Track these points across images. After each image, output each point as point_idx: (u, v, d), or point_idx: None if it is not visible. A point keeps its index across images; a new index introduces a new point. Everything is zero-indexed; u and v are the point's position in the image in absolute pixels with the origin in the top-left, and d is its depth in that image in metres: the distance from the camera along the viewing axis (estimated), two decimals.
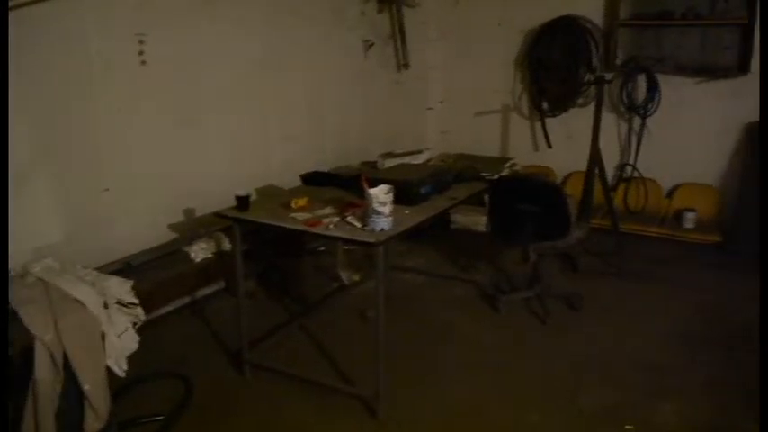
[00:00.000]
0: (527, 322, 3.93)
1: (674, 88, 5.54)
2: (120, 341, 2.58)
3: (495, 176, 3.87)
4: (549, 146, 6.07)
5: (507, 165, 4.21)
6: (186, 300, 4.08)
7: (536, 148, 6.25)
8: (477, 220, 5.29)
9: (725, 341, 3.69)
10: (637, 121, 5.71)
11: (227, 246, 3.85)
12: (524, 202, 3.58)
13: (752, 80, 5.25)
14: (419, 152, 4.22)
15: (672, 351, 3.58)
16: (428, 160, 4.24)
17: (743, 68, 5.26)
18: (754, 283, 4.48)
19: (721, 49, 5.41)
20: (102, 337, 2.48)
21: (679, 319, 3.98)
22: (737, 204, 5.29)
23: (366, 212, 2.79)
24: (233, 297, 4.11)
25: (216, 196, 3.60)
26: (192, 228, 4.01)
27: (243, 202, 3.10)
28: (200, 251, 3.76)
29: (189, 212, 4.04)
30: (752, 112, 5.32)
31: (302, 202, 3.18)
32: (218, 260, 3.83)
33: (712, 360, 3.47)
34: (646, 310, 4.13)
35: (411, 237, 4.98)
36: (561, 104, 5.98)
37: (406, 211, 3.03)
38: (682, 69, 5.52)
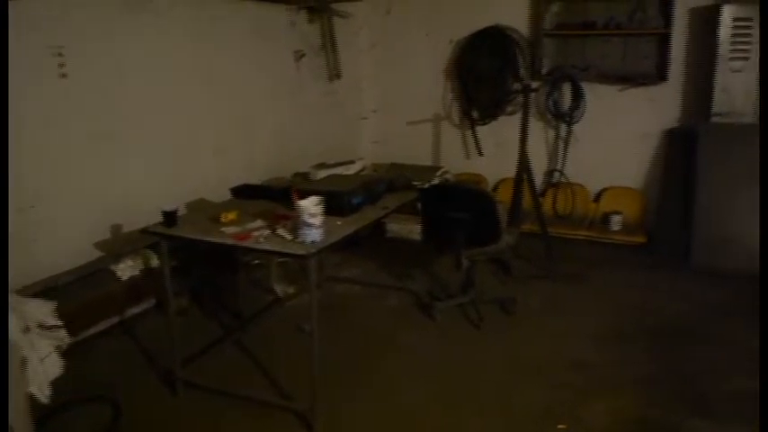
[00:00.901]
0: (462, 328, 3.97)
1: (598, 96, 5.74)
2: (43, 366, 2.48)
3: (427, 185, 3.92)
4: (480, 153, 6.18)
5: (438, 173, 4.27)
6: (115, 320, 3.94)
7: (467, 155, 6.35)
8: (412, 229, 5.32)
9: (652, 338, 3.82)
10: (563, 128, 5.89)
11: (155, 262, 3.76)
12: (455, 209, 3.63)
13: (670, 87, 5.51)
14: (351, 162, 4.23)
15: (602, 349, 3.68)
16: (360, 170, 4.26)
17: (661, 76, 5.50)
18: (677, 282, 4.71)
19: (641, 58, 5.64)
20: (24, 362, 2.37)
21: (608, 319, 4.10)
22: (659, 206, 5.52)
23: (297, 225, 2.77)
24: (164, 315, 4.00)
25: (144, 211, 3.49)
26: (120, 245, 3.89)
27: (170, 217, 3.03)
28: (126, 269, 3.66)
29: (115, 229, 3.92)
30: (671, 118, 5.59)
31: (232, 215, 3.13)
32: (146, 278, 3.74)
33: (641, 357, 3.59)
34: (577, 311, 4.24)
35: (346, 247, 5.00)
36: (491, 113, 6.10)
37: (338, 222, 3.03)
38: (605, 77, 5.72)
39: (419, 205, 3.95)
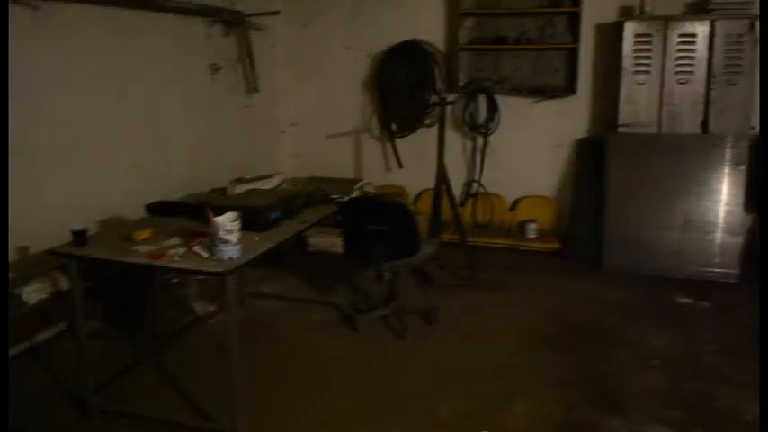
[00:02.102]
0: (386, 339, 4.00)
1: (512, 108, 5.92)
2: None
3: (346, 198, 3.93)
4: (400, 165, 6.26)
5: (358, 186, 4.29)
6: (24, 346, 3.75)
7: (388, 168, 6.41)
8: (334, 242, 5.31)
9: (568, 341, 3.96)
10: (480, 140, 6.04)
11: (65, 284, 3.60)
12: (374, 222, 3.66)
13: (579, 100, 5.76)
14: (270, 177, 4.20)
15: (522, 354, 3.79)
16: (279, 184, 4.23)
17: (570, 89, 5.73)
18: (590, 286, 4.90)
19: (552, 72, 5.87)
20: None
21: (527, 323, 4.22)
22: (572, 213, 5.75)
23: (213, 242, 2.72)
24: (77, 339, 3.84)
25: (53, 231, 3.34)
26: (26, 267, 3.71)
27: (80, 236, 2.92)
28: (33, 293, 3.49)
29: (21, 251, 3.74)
30: (581, 129, 5.84)
31: (146, 233, 3.05)
32: (56, 300, 3.57)
33: (558, 359, 3.71)
34: (497, 317, 4.34)
35: (268, 262, 4.95)
36: (409, 125, 6.19)
37: (256, 238, 3.00)
38: (518, 90, 5.91)
39: (339, 218, 3.97)
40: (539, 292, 4.81)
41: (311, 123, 6.61)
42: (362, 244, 3.80)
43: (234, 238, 2.69)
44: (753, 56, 5.04)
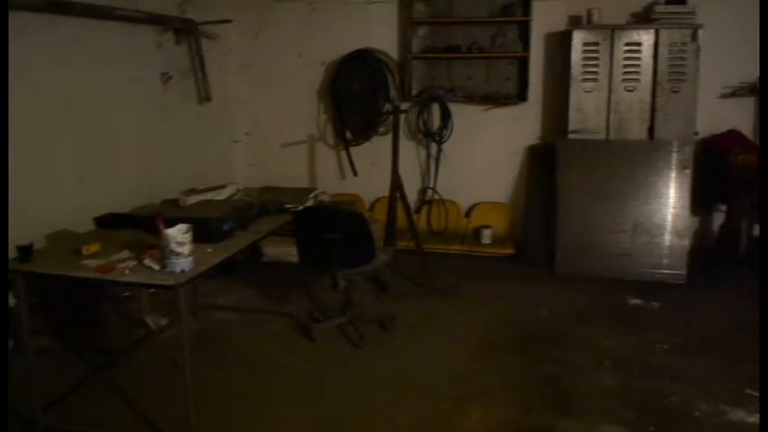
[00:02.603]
0: (342, 348, 3.98)
1: (465, 115, 6.00)
2: None
3: (300, 207, 3.91)
4: (355, 174, 6.26)
5: (312, 195, 4.28)
6: None
7: (343, 176, 6.41)
8: (289, 252, 5.27)
9: (523, 344, 4.01)
10: (434, 147, 6.09)
11: (11, 301, 3.49)
12: (329, 230, 3.65)
13: (530, 107, 5.87)
14: (223, 187, 4.15)
15: (478, 359, 3.82)
16: (232, 195, 4.18)
17: (521, 97, 5.84)
18: (544, 290, 4.98)
19: (503, 80, 5.97)
20: None
21: (482, 329, 4.26)
22: (526, 219, 5.84)
23: (164, 254, 2.68)
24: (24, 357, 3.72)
25: None
26: None
27: (25, 252, 2.84)
28: None
29: None
30: (532, 136, 5.94)
31: (94, 247, 2.98)
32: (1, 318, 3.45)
33: (513, 363, 3.75)
34: (453, 323, 4.37)
35: (222, 274, 4.88)
36: (364, 133, 6.21)
37: (209, 249, 2.96)
38: (471, 98, 5.99)
39: (294, 228, 3.94)
40: (494, 297, 4.86)
41: (266, 132, 6.56)
42: (317, 253, 3.79)
43: (185, 250, 2.65)
44: (695, 63, 5.22)
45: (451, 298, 4.82)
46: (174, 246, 2.62)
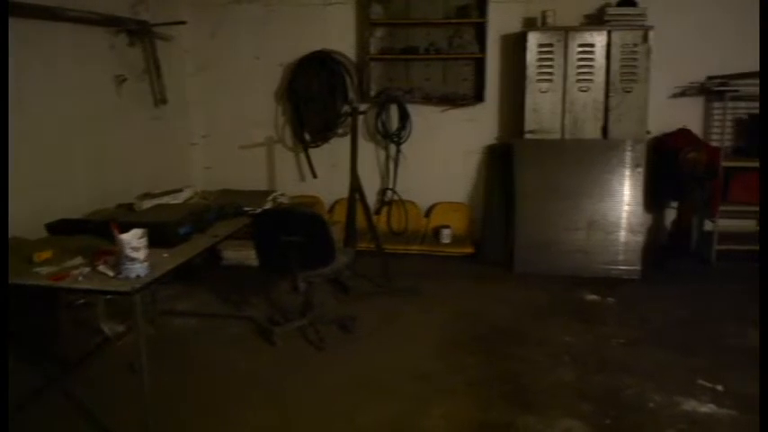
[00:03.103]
0: (303, 351, 3.96)
1: (424, 116, 6.05)
2: None
3: (258, 210, 3.89)
4: (315, 175, 6.24)
5: (270, 197, 4.25)
6: None
7: (302, 178, 6.39)
8: (249, 255, 5.24)
9: (483, 343, 4.05)
10: (393, 148, 6.11)
11: None
12: (288, 233, 3.63)
13: (487, 107, 5.94)
14: (179, 191, 4.09)
15: (440, 358, 3.84)
16: (189, 198, 4.13)
17: (478, 97, 5.90)
18: (503, 288, 5.04)
19: (460, 81, 6.03)
20: None
21: (443, 328, 4.29)
22: (484, 218, 5.90)
23: (119, 260, 2.63)
24: None
25: None
26: None
27: None
28: None
29: None
30: (490, 136, 6.01)
31: (46, 254, 2.92)
32: None
33: (474, 361, 3.79)
34: (414, 323, 4.39)
35: (181, 278, 4.82)
36: (323, 135, 6.20)
37: (165, 254, 2.92)
38: (429, 99, 6.04)
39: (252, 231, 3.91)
40: (454, 296, 4.90)
41: (223, 135, 6.50)
42: (276, 255, 3.77)
43: (141, 255, 2.61)
44: (646, 64, 5.35)
45: (412, 298, 4.84)
46: (128, 251, 2.58)
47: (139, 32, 5.45)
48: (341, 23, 6.11)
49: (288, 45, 6.18)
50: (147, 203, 3.86)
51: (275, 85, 6.32)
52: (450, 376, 3.61)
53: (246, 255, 5.27)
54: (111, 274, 2.68)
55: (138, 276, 2.61)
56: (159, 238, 2.87)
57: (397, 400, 3.34)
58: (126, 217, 3.30)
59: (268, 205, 4.10)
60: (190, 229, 3.19)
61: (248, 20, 6.25)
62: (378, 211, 6.08)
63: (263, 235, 3.81)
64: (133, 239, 2.59)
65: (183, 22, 5.83)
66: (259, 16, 6.24)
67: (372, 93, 6.08)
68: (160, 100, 5.78)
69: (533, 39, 5.48)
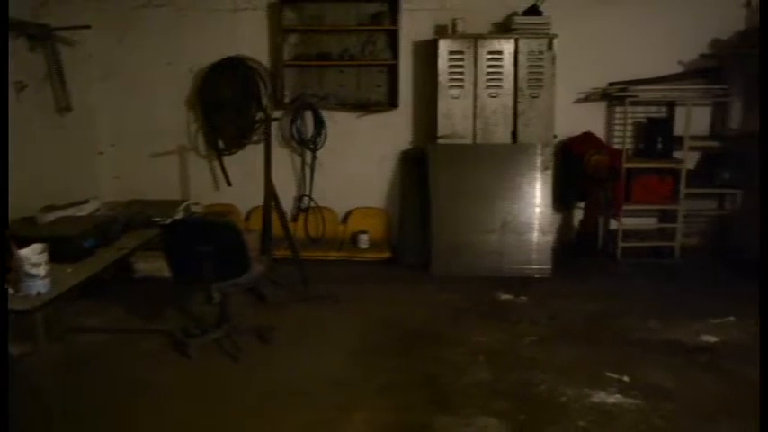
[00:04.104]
0: (220, 363, 3.89)
1: (339, 122, 6.07)
2: None
3: (169, 220, 3.79)
4: (229, 184, 6.14)
5: (182, 207, 4.16)
6: None
7: (217, 186, 6.27)
8: (162, 266, 5.08)
9: (401, 346, 4.10)
10: (309, 155, 6.10)
11: None
12: (200, 243, 3.56)
13: (401, 113, 6.04)
14: (85, 202, 3.94)
15: (359, 363, 3.86)
16: (95, 210, 3.98)
17: (392, 103, 5.98)
18: (421, 291, 5.12)
19: (374, 87, 6.09)
20: None
21: (362, 333, 4.30)
22: (401, 222, 5.98)
23: (18, 276, 2.51)
24: None
25: None
26: None
27: None
28: None
29: None
30: (404, 141, 6.11)
31: None
32: None
33: (394, 365, 3.82)
34: (333, 330, 4.39)
35: (90, 294, 4.63)
36: (237, 142, 6.11)
37: (69, 269, 2.81)
38: (343, 105, 6.07)
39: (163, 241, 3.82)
40: (373, 301, 4.93)
41: (133, 143, 6.28)
42: (189, 266, 3.68)
43: (41, 271, 2.51)
44: (552, 71, 5.57)
45: (331, 305, 4.84)
46: (28, 267, 2.47)
47: (40, 37, 5.21)
48: (254, 29, 6.04)
49: (200, 51, 6.06)
50: (51, 216, 3.70)
51: (187, 91, 6.18)
52: (370, 381, 3.63)
53: (159, 266, 5.09)
54: (11, 291, 2.55)
55: (38, 293, 2.50)
56: (62, 252, 2.76)
57: (317, 408, 3.34)
58: (26, 231, 3.14)
59: (179, 215, 4.01)
60: (95, 242, 3.08)
61: (159, 24, 6.08)
62: (295, 219, 6.04)
63: (175, 246, 3.72)
64: (32, 255, 2.48)
65: (87, 27, 5.61)
66: (170, 21, 6.08)
67: (287, 99, 6.05)
68: (64, 107, 5.54)
69: (444, 46, 5.60)
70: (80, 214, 3.76)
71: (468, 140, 5.66)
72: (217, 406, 3.38)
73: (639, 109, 5.96)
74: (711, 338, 4.14)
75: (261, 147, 5.70)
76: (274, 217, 4.93)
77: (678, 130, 5.80)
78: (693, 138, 5.77)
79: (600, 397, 3.41)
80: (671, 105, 5.91)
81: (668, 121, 5.90)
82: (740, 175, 5.77)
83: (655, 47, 5.82)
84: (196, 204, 4.88)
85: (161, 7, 6.07)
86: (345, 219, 6.23)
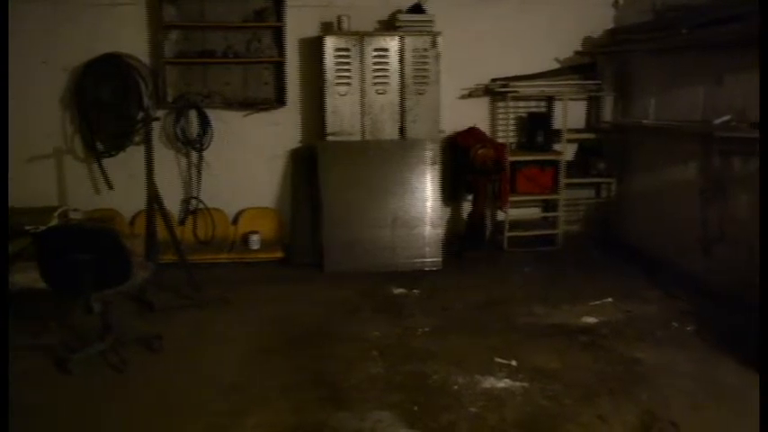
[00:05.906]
0: (105, 377, 3.69)
1: (225, 121, 5.94)
2: None
3: (41, 228, 3.57)
4: (110, 187, 5.85)
5: (57, 213, 3.93)
6: None
7: (98, 191, 5.96)
8: (40, 277, 4.80)
9: (295, 346, 4.07)
10: (195, 155, 5.93)
11: None
12: (76, 251, 3.37)
13: (290, 111, 6.01)
14: None
15: (252, 367, 3.80)
16: None
17: (280, 101, 5.92)
18: (314, 289, 5.10)
19: (261, 85, 6.00)
20: None
21: (255, 336, 4.23)
22: (293, 221, 5.94)
23: None
24: None
25: None
26: None
27: None
28: None
29: None
30: (293, 139, 6.07)
31: None
32: None
33: (287, 366, 3.79)
34: (224, 334, 4.30)
35: None
36: (117, 144, 5.82)
37: None
38: (229, 104, 5.95)
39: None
40: (265, 302, 4.87)
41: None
42: (65, 276, 3.48)
43: None
44: (437, 68, 5.70)
45: (222, 308, 4.72)
46: None
47: None
48: (133, 25, 5.80)
49: (73, 48, 5.74)
50: None
51: (61, 91, 5.84)
52: (263, 384, 3.58)
53: (36, 277, 4.80)
54: None
55: None
56: None
57: (210, 416, 3.25)
58: None
59: (54, 222, 3.79)
60: None
61: (33, 20, 5.69)
62: (182, 221, 5.83)
63: (49, 255, 3.50)
64: None
65: None
66: (45, 17, 5.71)
67: (169, 98, 5.85)
68: None
69: (330, 43, 5.61)
70: None
71: (357, 137, 5.71)
72: (102, 423, 3.23)
73: (521, 104, 6.22)
74: (591, 320, 4.39)
75: (143, 148, 5.50)
76: (159, 221, 4.75)
77: (557, 123, 6.09)
78: (571, 131, 6.09)
79: (490, 382, 3.53)
80: (549, 100, 6.19)
81: (547, 116, 6.19)
82: (613, 165, 6.16)
83: (534, 44, 6.08)
84: (75, 210, 4.63)
85: (34, 1, 5.68)
86: (236, 220, 6.11)
